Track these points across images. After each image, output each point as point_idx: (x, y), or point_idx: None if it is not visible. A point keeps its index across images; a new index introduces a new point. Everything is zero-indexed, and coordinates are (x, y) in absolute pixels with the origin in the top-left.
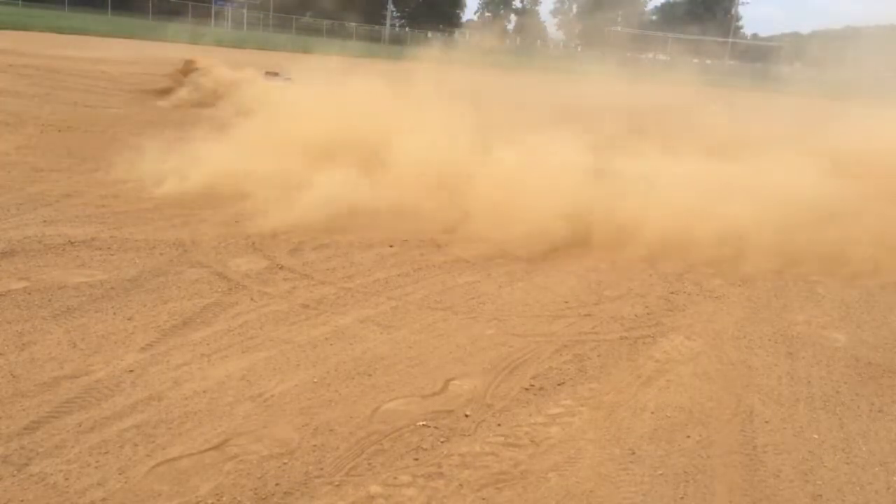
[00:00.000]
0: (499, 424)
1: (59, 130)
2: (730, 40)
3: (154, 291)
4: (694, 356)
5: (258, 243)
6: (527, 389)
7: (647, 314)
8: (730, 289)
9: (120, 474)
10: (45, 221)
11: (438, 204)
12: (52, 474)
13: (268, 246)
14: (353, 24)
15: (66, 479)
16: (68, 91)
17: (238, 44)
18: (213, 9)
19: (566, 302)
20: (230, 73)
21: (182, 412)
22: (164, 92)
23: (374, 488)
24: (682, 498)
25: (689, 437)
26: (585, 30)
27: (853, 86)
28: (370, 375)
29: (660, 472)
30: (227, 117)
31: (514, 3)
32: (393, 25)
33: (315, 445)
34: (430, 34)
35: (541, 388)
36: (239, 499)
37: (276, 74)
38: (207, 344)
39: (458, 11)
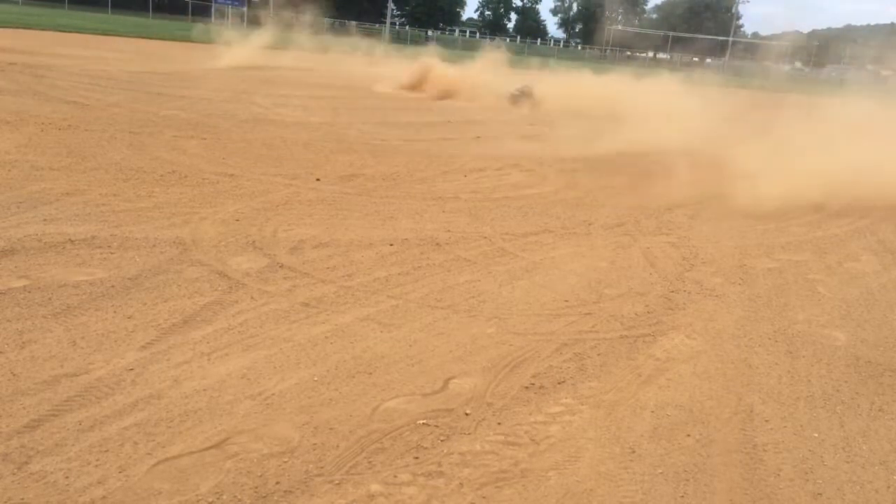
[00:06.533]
0: (499, 423)
1: (60, 129)
2: (730, 39)
3: (154, 290)
4: (694, 355)
5: (258, 241)
6: (527, 388)
7: (648, 313)
8: (730, 287)
9: (120, 472)
10: (45, 220)
11: None
12: (52, 472)
13: (268, 244)
14: (354, 22)
15: (67, 477)
16: (68, 89)
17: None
18: (214, 7)
19: (566, 301)
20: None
21: (182, 410)
22: None
23: (375, 487)
24: (682, 497)
25: (689, 435)
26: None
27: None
28: (370, 374)
29: (660, 470)
30: None
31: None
32: (393, 24)
33: (315, 444)
34: (430, 33)
35: (541, 387)
36: (239, 497)
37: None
38: (208, 342)
39: (458, 10)
